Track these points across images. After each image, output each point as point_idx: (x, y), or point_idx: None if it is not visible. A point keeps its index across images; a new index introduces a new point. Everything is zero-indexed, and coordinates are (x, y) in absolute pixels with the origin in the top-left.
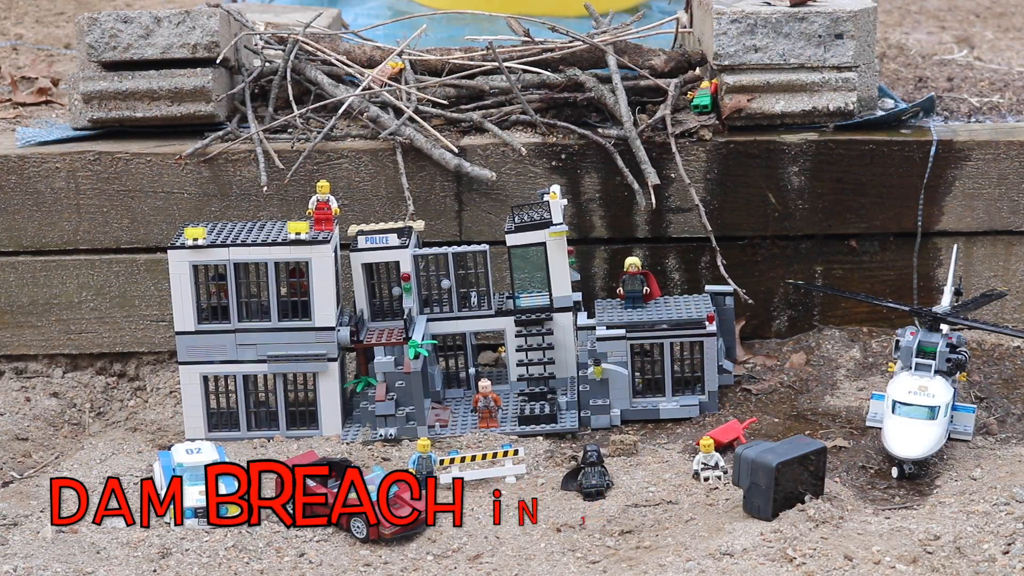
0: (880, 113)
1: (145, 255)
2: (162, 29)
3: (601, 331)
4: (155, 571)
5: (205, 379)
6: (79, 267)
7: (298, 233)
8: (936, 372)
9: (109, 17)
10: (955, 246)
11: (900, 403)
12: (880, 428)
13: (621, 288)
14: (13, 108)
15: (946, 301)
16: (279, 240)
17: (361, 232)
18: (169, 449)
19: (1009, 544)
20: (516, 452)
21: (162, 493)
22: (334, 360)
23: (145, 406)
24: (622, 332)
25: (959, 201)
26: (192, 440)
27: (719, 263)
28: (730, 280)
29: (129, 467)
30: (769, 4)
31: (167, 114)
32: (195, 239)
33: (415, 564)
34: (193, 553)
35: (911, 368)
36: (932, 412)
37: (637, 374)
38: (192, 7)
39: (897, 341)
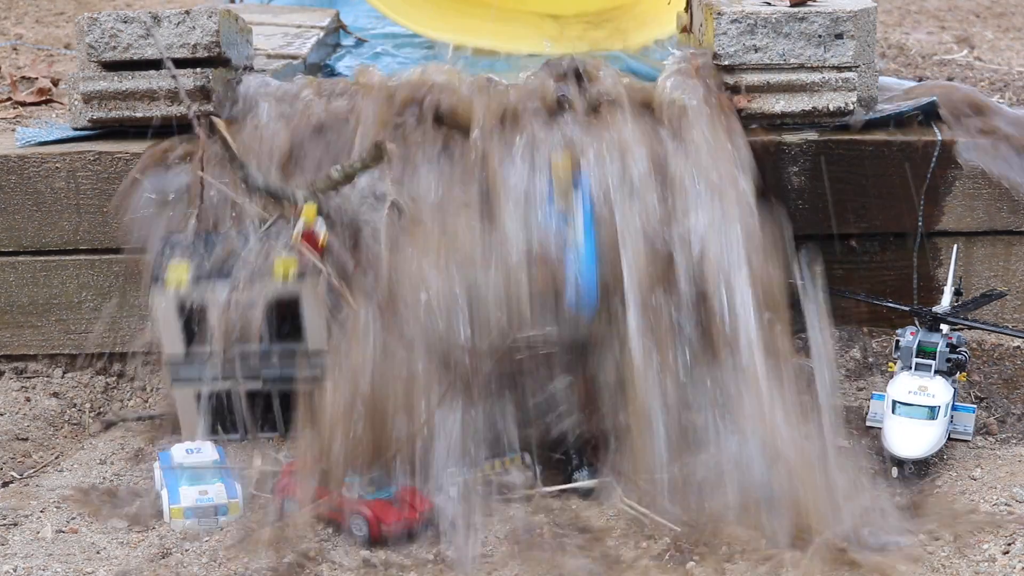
0: (880, 114)
1: (145, 255)
2: (162, 29)
3: None
4: (156, 571)
5: (199, 395)
6: (79, 267)
7: (286, 276)
8: (936, 372)
9: (109, 17)
10: (955, 246)
11: (900, 403)
12: (880, 428)
13: None
14: (13, 108)
15: (946, 301)
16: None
17: None
18: (169, 450)
19: (1009, 544)
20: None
21: (163, 496)
22: None
23: (145, 406)
24: None
25: (959, 201)
26: (191, 440)
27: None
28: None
29: (129, 467)
30: (769, 4)
31: (167, 114)
32: (179, 282)
33: (416, 564)
34: (193, 553)
35: (911, 368)
36: (932, 412)
37: None
38: (192, 7)
39: (897, 341)
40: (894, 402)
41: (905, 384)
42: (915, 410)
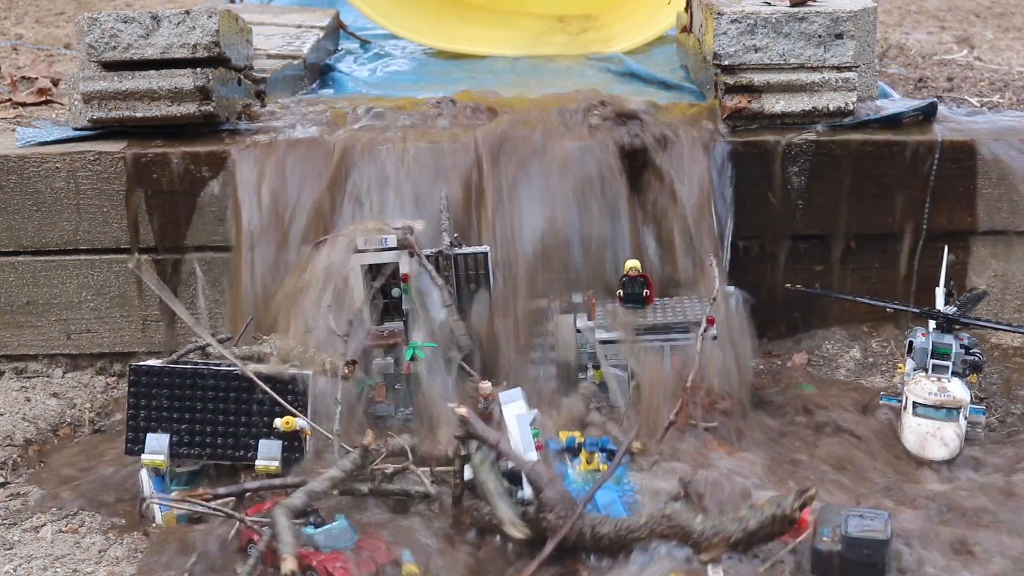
0: (881, 114)
1: (145, 255)
2: (162, 29)
3: (601, 334)
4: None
5: None
6: (79, 267)
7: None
8: (952, 374)
9: (109, 17)
10: (945, 247)
11: (922, 405)
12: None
13: (620, 291)
14: (13, 108)
15: (939, 303)
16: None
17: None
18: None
19: None
20: None
21: (155, 509)
22: None
23: None
24: (622, 335)
25: (959, 202)
26: None
27: (713, 263)
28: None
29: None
30: (769, 4)
31: (167, 114)
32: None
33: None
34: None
35: (927, 370)
36: (955, 413)
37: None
38: (192, 7)
39: (910, 342)
40: (915, 403)
41: (925, 385)
42: (938, 412)
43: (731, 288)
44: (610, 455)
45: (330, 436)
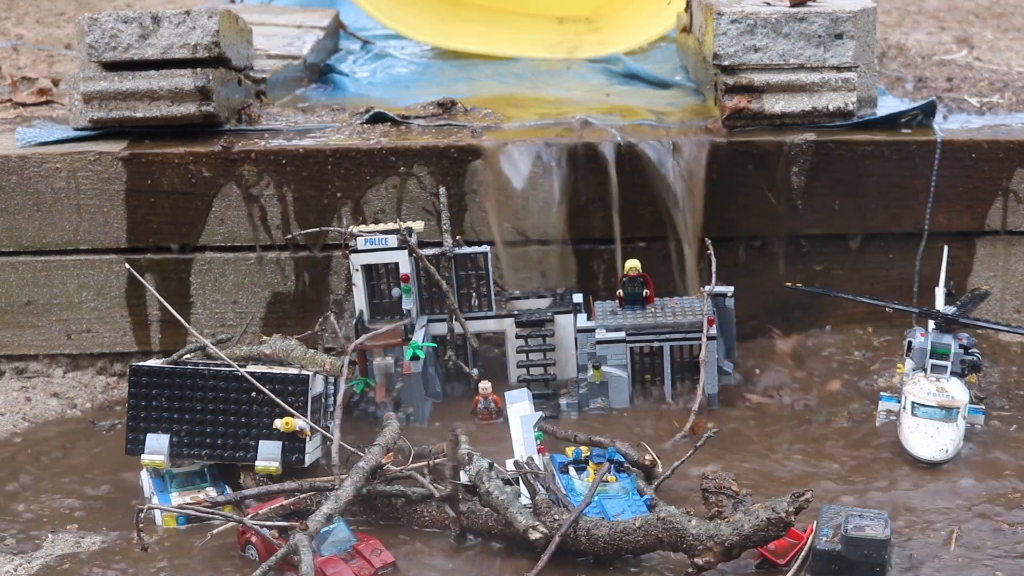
0: (881, 113)
1: (145, 255)
2: (162, 29)
3: (600, 334)
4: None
5: None
6: (79, 267)
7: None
8: (951, 374)
9: (109, 17)
10: (946, 247)
11: (920, 405)
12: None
13: (620, 291)
14: (13, 108)
15: (940, 303)
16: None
17: (360, 233)
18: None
19: None
20: None
21: (153, 500)
22: None
23: None
24: (622, 335)
25: (960, 201)
26: None
27: (711, 264)
28: (712, 278)
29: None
30: (769, 4)
31: (167, 114)
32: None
33: None
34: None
35: (927, 370)
36: (953, 414)
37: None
38: (192, 7)
39: (909, 343)
40: (914, 404)
41: (924, 386)
42: (936, 412)
43: (728, 288)
44: (618, 466)
45: (331, 437)
